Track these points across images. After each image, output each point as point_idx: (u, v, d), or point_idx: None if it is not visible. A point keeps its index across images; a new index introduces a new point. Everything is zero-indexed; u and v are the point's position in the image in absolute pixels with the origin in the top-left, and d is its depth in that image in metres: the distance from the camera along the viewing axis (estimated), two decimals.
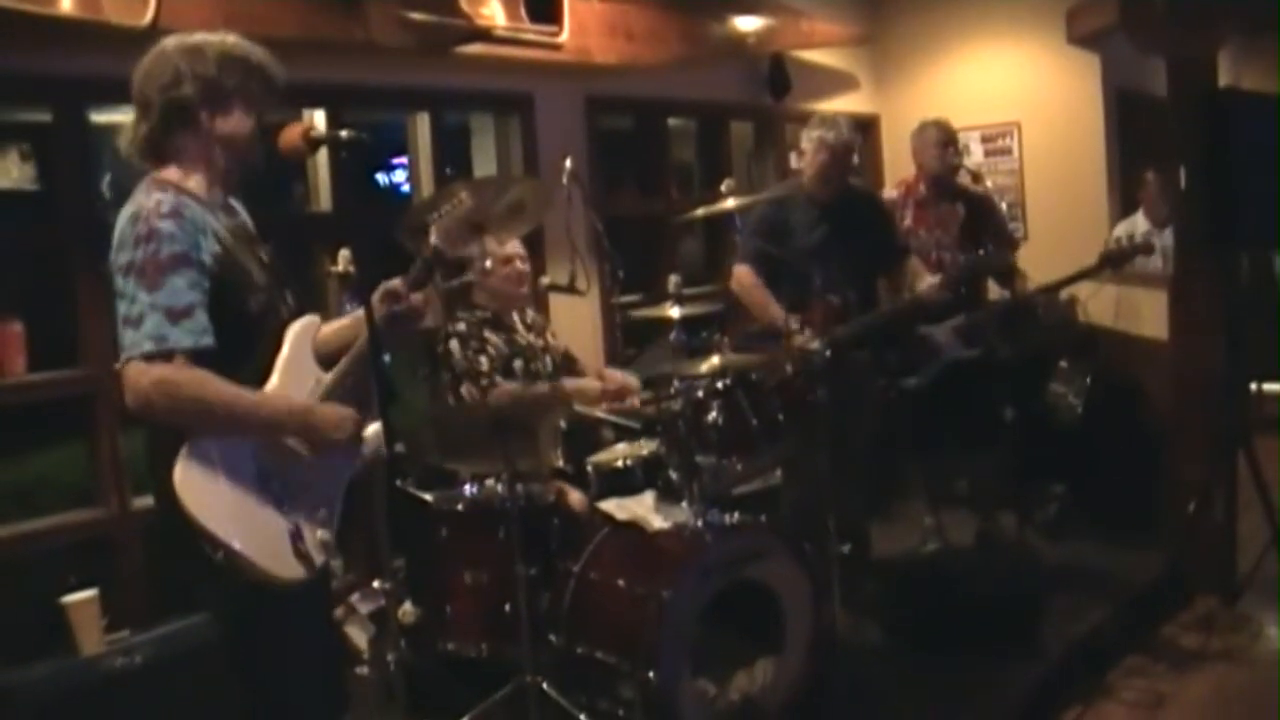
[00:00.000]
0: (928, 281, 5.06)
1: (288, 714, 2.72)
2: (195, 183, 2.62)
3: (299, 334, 2.73)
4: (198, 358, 2.45)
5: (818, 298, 4.66)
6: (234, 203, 2.83)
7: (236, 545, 2.48)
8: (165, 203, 2.49)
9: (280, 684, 2.70)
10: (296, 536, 2.60)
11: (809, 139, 5.01)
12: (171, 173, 2.61)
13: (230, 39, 2.64)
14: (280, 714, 2.72)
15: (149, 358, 2.41)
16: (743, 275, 4.99)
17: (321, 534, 2.67)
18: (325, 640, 2.94)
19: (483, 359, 4.31)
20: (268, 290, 2.68)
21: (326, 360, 2.79)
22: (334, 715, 3.01)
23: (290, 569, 2.58)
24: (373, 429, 2.81)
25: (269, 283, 2.70)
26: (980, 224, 5.75)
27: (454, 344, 4.31)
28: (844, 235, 4.92)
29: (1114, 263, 5.29)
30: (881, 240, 5.11)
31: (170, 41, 2.62)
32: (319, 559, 2.66)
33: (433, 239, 2.95)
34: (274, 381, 2.63)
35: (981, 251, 5.20)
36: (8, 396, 4.14)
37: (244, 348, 2.59)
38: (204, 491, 2.48)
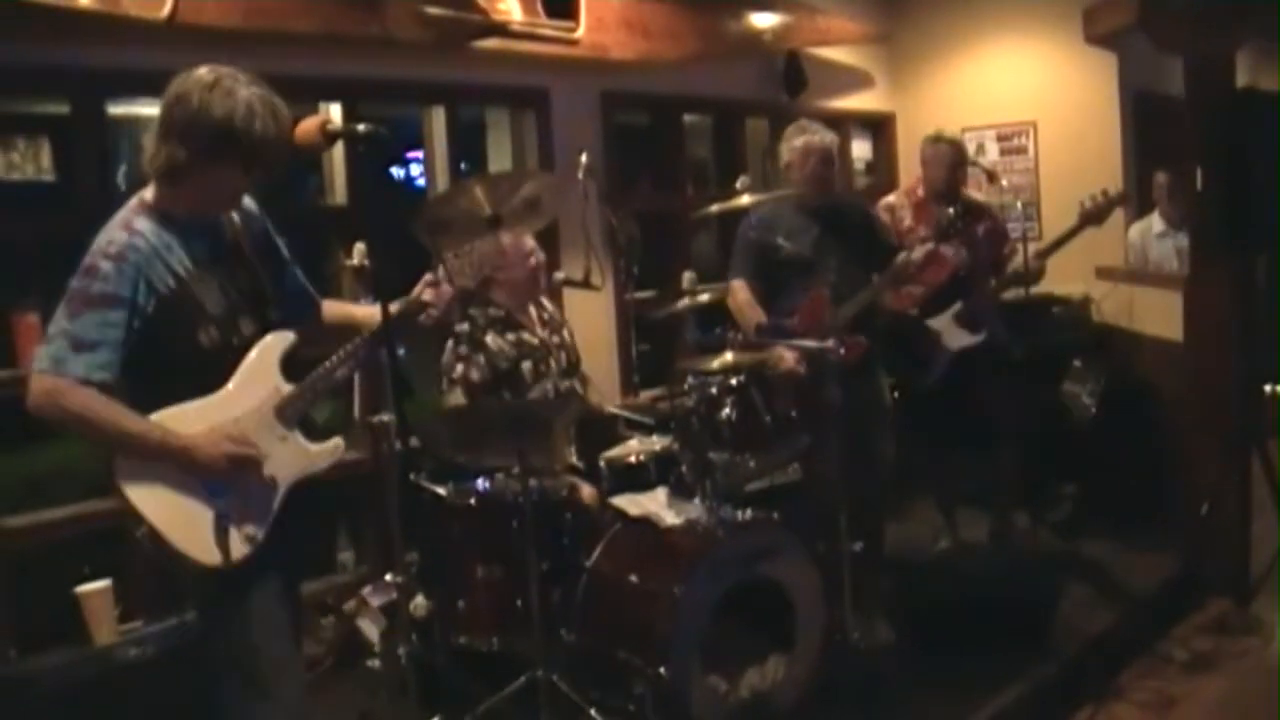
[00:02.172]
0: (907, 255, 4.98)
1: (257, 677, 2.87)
2: (179, 206, 2.80)
3: (265, 347, 2.89)
4: (97, 388, 2.65)
5: (810, 292, 4.65)
6: (250, 205, 3.01)
7: (155, 523, 2.71)
8: (115, 244, 2.71)
9: (250, 658, 2.86)
10: (221, 525, 2.76)
11: (792, 149, 4.90)
12: (154, 195, 2.80)
13: (243, 112, 2.71)
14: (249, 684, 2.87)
15: (42, 373, 2.66)
16: (737, 290, 4.89)
17: (249, 528, 2.80)
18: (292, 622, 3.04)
19: (460, 365, 4.29)
20: (223, 321, 2.85)
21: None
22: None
23: (207, 554, 2.74)
24: (332, 442, 2.98)
25: (228, 311, 2.87)
26: (975, 219, 5.70)
27: (449, 343, 4.30)
28: (836, 237, 4.88)
29: (1094, 219, 5.24)
30: (872, 241, 5.07)
31: (194, 81, 2.73)
32: (241, 550, 2.78)
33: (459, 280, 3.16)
34: (229, 388, 2.82)
35: (953, 214, 5.13)
36: (23, 387, 4.14)
37: (193, 376, 2.79)
38: (138, 472, 2.72)
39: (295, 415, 2.92)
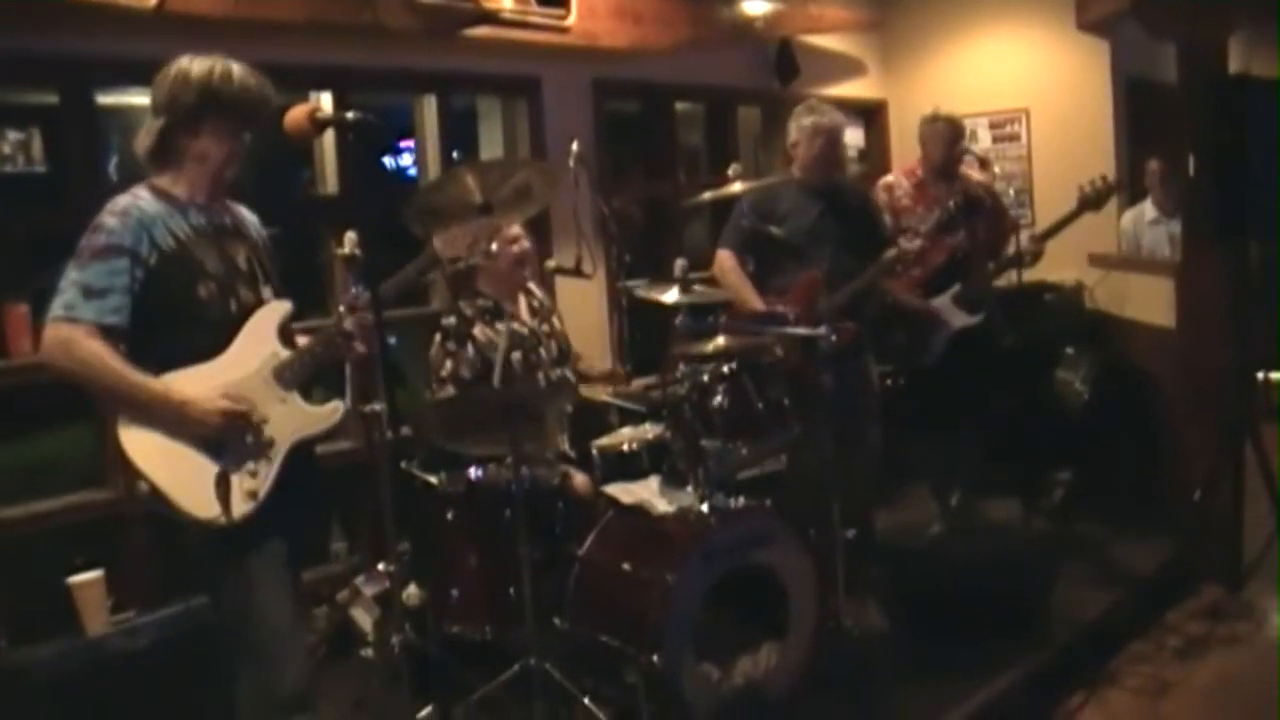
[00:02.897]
0: (902, 243, 5.00)
1: (259, 645, 2.96)
2: (178, 187, 2.98)
3: (262, 316, 3.02)
4: (109, 334, 2.80)
5: (803, 274, 4.65)
6: (233, 206, 3.16)
7: (156, 479, 2.81)
8: (119, 202, 2.89)
9: (252, 626, 2.95)
10: (222, 482, 2.84)
11: (800, 127, 4.94)
12: (159, 178, 2.98)
13: (221, 68, 2.93)
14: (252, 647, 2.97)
15: (56, 321, 2.80)
16: (724, 259, 4.95)
17: (249, 484, 2.89)
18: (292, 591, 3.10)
19: (449, 362, 4.28)
20: (222, 280, 2.97)
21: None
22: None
23: (207, 509, 2.82)
24: (331, 405, 3.08)
25: (228, 274, 3.00)
26: (974, 209, 5.71)
27: (436, 337, 4.30)
28: (836, 219, 4.89)
29: (1092, 205, 5.27)
30: (869, 229, 5.08)
31: (178, 63, 2.94)
32: (242, 508, 2.86)
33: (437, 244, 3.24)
34: (229, 352, 2.94)
35: (951, 205, 5.16)
36: (15, 377, 4.15)
37: (191, 329, 2.91)
38: (140, 428, 2.83)
39: (294, 379, 3.02)
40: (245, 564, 2.91)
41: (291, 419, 3.01)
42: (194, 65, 2.91)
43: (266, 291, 3.09)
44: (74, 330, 2.78)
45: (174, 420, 2.83)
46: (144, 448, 2.83)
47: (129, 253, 2.84)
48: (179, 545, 2.96)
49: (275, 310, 3.06)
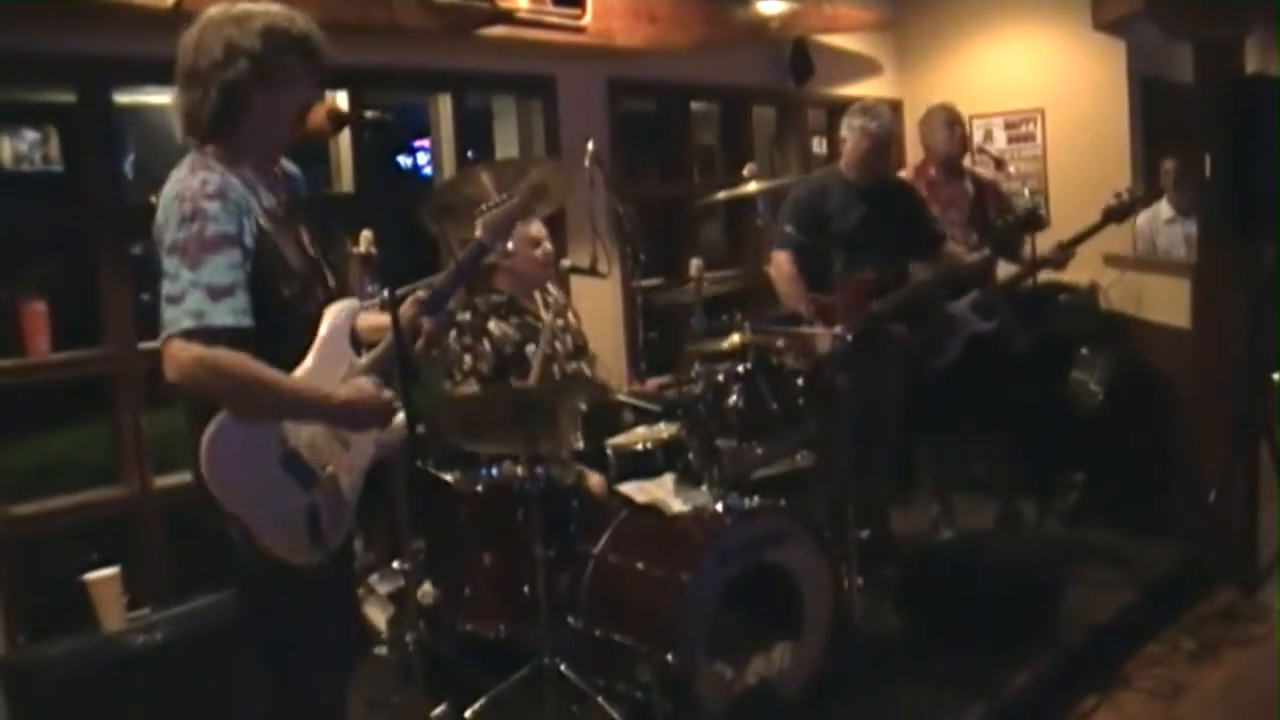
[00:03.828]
0: (959, 250, 5.10)
1: (303, 684, 2.75)
2: (241, 161, 2.61)
3: (337, 317, 2.70)
4: (237, 338, 2.44)
5: (854, 274, 4.69)
6: (291, 168, 2.86)
7: (252, 524, 2.51)
8: (211, 182, 2.49)
9: (296, 656, 2.73)
10: (314, 519, 2.61)
11: (850, 127, 5.01)
12: (216, 151, 2.59)
13: (275, 9, 2.62)
14: (296, 684, 2.75)
15: (189, 334, 2.39)
16: (783, 263, 4.94)
17: (339, 520, 2.69)
18: (344, 615, 2.97)
19: (467, 357, 4.28)
20: (302, 276, 2.68)
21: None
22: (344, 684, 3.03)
23: (304, 553, 2.60)
24: (398, 419, 2.81)
25: (305, 267, 2.70)
26: (988, 204, 5.75)
27: (452, 333, 4.31)
28: (880, 220, 4.93)
29: (1116, 217, 5.27)
30: (917, 227, 5.12)
31: (216, 12, 2.60)
32: (335, 540, 2.67)
33: (478, 231, 2.99)
34: (308, 364, 2.62)
35: (1007, 218, 5.24)
36: (31, 376, 4.16)
37: (276, 333, 2.56)
38: (226, 467, 2.48)
39: None
40: (303, 585, 2.64)
41: (368, 440, 2.77)
42: (239, 9, 2.57)
43: (331, 280, 2.79)
44: (211, 347, 2.38)
45: (339, 421, 2.60)
46: (233, 488, 2.49)
47: (238, 242, 2.48)
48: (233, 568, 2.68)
49: (346, 311, 2.73)
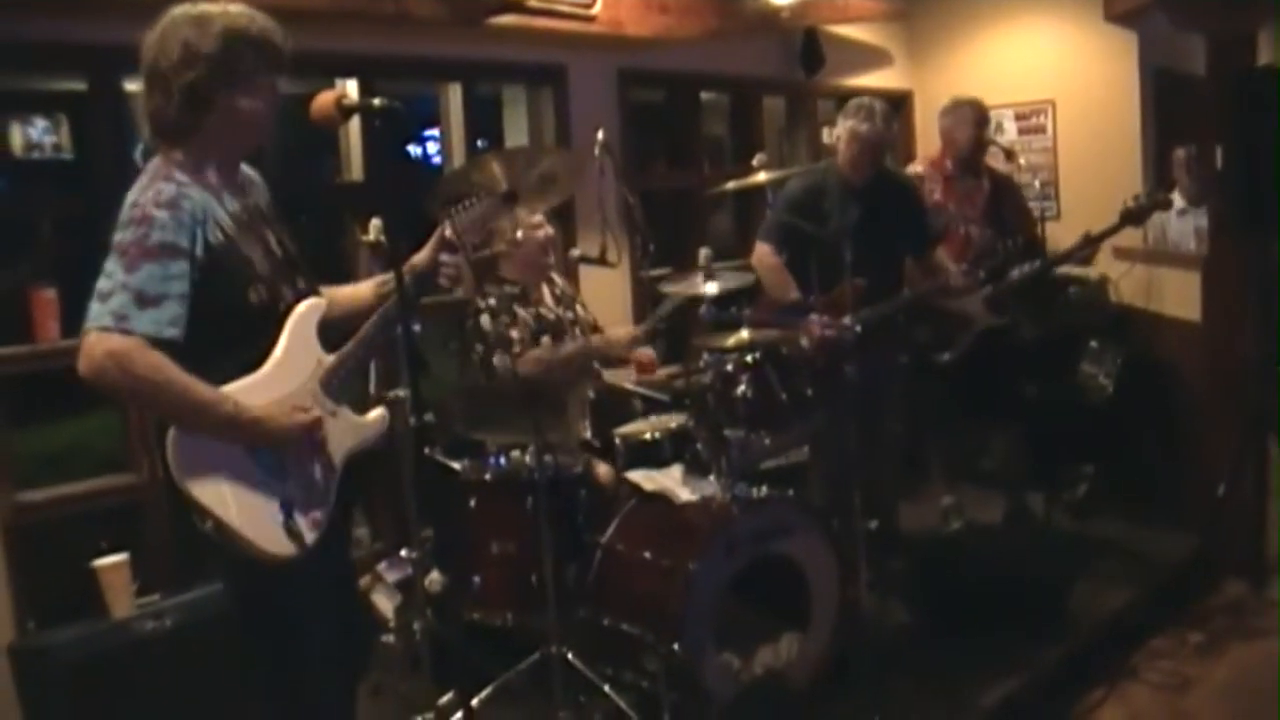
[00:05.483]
0: (953, 269, 5.05)
1: (302, 681, 2.75)
2: (206, 165, 2.63)
3: (301, 318, 2.71)
4: (159, 348, 2.43)
5: (845, 279, 4.66)
6: (251, 174, 2.84)
7: (224, 517, 2.51)
8: (165, 192, 2.50)
9: (289, 652, 2.74)
10: (288, 512, 2.60)
11: (842, 127, 4.93)
12: (181, 156, 2.60)
13: (234, 9, 2.62)
14: (295, 681, 2.75)
15: (105, 333, 2.40)
16: (764, 254, 4.93)
17: (315, 513, 2.67)
18: (345, 612, 2.92)
19: (514, 331, 4.32)
20: (270, 280, 2.67)
21: (340, 320, 2.84)
22: (352, 680, 3.04)
23: (279, 545, 2.58)
24: (377, 413, 2.89)
25: (273, 271, 2.70)
26: (1002, 201, 5.73)
27: (485, 318, 4.32)
28: (876, 217, 4.88)
29: (1134, 219, 5.26)
30: (913, 225, 5.07)
31: (178, 12, 2.60)
32: (310, 536, 2.64)
33: (447, 231, 2.97)
34: (270, 366, 2.63)
35: (1008, 244, 5.18)
36: (42, 362, 4.17)
37: (241, 338, 2.60)
38: (196, 462, 2.50)
39: (340, 388, 2.77)
40: (288, 580, 2.63)
41: (343, 433, 2.77)
42: (199, 9, 2.56)
43: (300, 282, 2.77)
44: (128, 342, 2.38)
45: (246, 441, 2.55)
46: (206, 484, 2.50)
47: (186, 254, 2.47)
48: (233, 572, 2.72)
49: (313, 309, 2.74)
